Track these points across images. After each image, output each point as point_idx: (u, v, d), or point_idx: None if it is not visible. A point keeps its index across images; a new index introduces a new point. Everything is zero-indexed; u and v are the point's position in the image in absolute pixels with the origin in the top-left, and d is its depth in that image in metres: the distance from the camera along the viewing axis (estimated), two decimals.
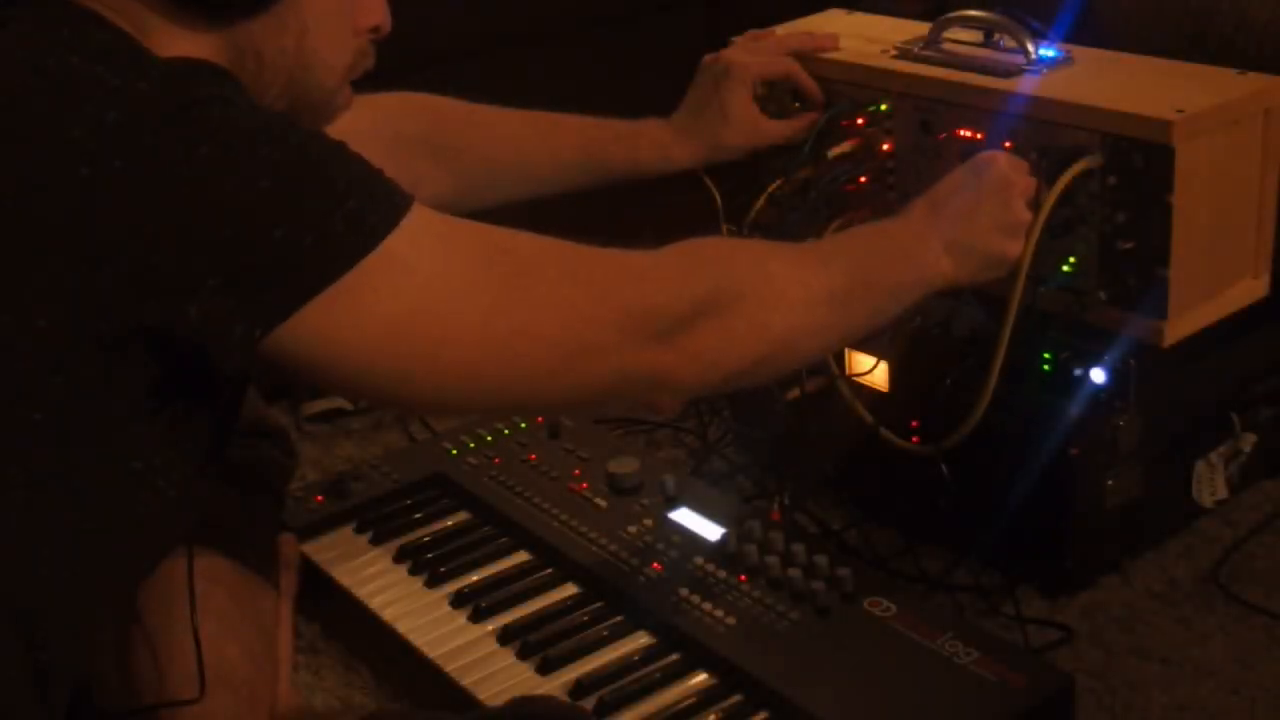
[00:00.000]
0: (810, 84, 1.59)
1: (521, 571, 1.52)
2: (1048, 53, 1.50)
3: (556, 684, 1.36)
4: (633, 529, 1.53)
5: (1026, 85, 1.45)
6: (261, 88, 1.05)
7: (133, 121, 0.91)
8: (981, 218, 1.32)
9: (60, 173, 0.90)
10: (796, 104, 1.61)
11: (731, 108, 1.56)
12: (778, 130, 1.58)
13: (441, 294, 0.99)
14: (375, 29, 1.13)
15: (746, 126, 1.57)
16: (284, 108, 1.06)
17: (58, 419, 0.94)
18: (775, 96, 1.60)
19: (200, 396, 1.01)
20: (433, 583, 1.51)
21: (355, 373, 0.98)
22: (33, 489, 0.95)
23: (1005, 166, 1.35)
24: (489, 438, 1.74)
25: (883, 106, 1.56)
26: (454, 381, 1.02)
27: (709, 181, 1.62)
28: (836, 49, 1.62)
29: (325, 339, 0.95)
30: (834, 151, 1.57)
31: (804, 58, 1.60)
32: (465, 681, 1.37)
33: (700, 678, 1.35)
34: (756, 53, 1.59)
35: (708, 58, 1.59)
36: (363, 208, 0.95)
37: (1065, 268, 1.45)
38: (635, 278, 1.10)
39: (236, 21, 1.03)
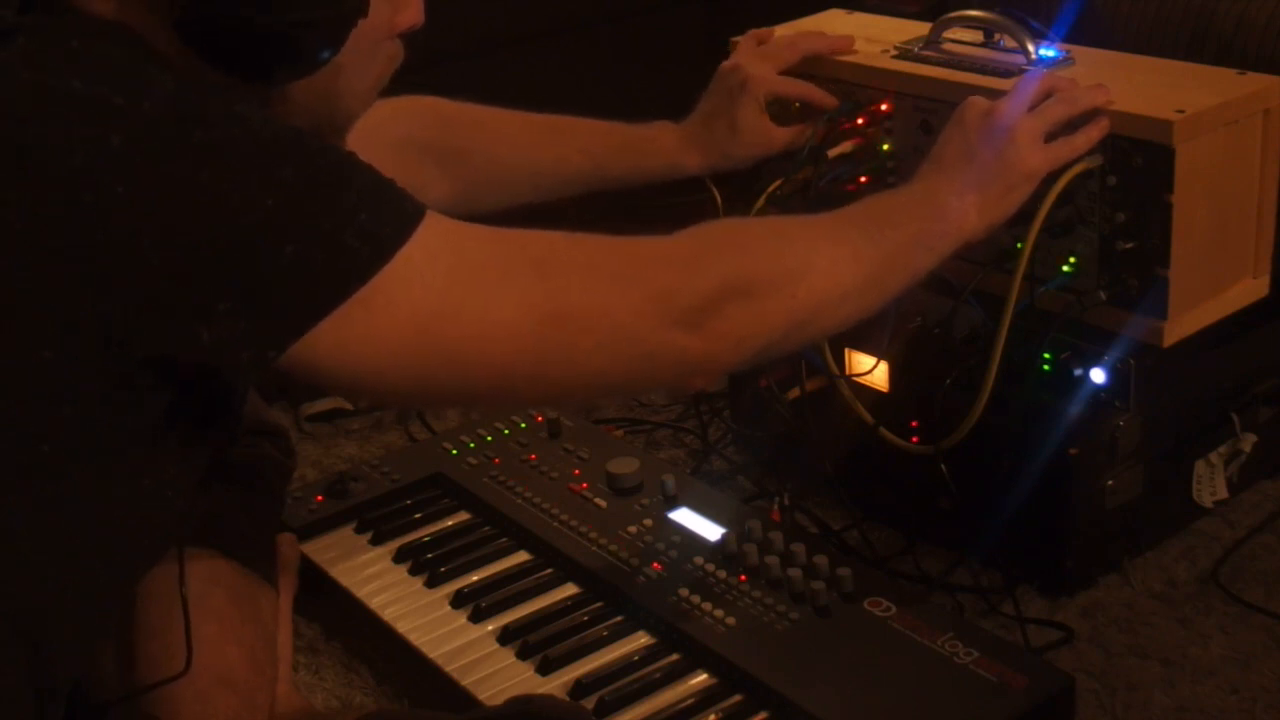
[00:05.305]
0: (827, 100, 1.58)
1: (521, 571, 1.52)
2: (1048, 53, 1.50)
3: (556, 684, 1.35)
4: (633, 529, 1.52)
5: None
6: (285, 118, 1.00)
7: (136, 145, 0.88)
8: (981, 152, 1.31)
9: (63, 200, 0.87)
10: (797, 105, 1.60)
11: (743, 121, 1.55)
12: (786, 138, 1.57)
13: (459, 296, 0.97)
14: (410, 27, 1.10)
15: (756, 139, 1.56)
16: (306, 127, 1.01)
17: (66, 449, 0.92)
18: (778, 100, 1.60)
19: (210, 413, 1.00)
20: (433, 583, 1.51)
21: (375, 379, 0.97)
22: (40, 514, 0.93)
23: (980, 102, 1.34)
24: (489, 438, 1.73)
25: (883, 106, 1.56)
26: (479, 377, 1.01)
27: (709, 182, 1.62)
28: (852, 51, 1.61)
29: (341, 351, 0.94)
30: (834, 151, 1.57)
31: (813, 59, 1.60)
32: (465, 681, 1.37)
33: (700, 678, 1.35)
34: (772, 60, 1.57)
35: (725, 65, 1.58)
36: (374, 220, 0.93)
37: (1065, 268, 1.45)
38: (652, 261, 1.08)
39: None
